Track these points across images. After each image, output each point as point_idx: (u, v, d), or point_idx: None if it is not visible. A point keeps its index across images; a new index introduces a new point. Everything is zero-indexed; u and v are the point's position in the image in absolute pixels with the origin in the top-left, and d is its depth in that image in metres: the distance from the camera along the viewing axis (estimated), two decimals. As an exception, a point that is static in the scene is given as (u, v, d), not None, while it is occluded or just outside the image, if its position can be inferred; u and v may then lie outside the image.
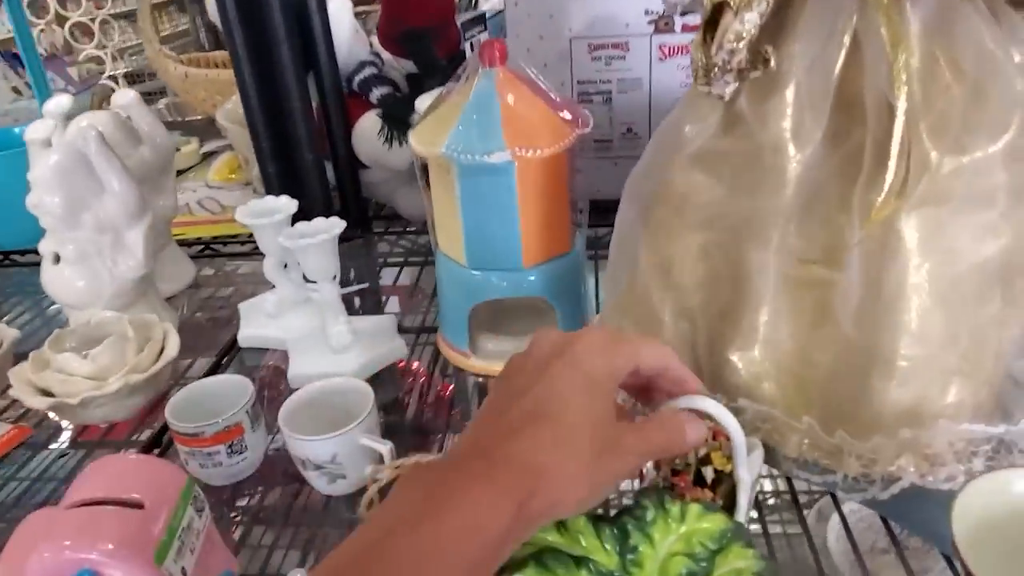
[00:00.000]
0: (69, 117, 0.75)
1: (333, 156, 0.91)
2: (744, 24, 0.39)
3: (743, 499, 0.39)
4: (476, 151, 0.54)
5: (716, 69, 0.41)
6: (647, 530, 0.37)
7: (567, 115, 0.57)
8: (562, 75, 0.88)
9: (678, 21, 0.84)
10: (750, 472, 0.39)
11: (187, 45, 2.98)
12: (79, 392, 0.58)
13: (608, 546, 0.37)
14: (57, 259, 0.69)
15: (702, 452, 0.43)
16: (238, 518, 0.55)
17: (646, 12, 0.84)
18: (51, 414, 0.63)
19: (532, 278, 0.60)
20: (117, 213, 0.68)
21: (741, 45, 0.39)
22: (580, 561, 0.36)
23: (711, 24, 0.42)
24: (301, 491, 0.54)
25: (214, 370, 0.69)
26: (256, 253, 0.95)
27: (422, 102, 0.73)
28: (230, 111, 1.24)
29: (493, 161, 0.54)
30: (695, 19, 0.84)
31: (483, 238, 0.59)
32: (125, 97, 0.79)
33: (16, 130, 1.07)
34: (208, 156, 1.33)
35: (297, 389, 0.55)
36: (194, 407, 0.55)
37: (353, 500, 0.53)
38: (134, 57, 2.98)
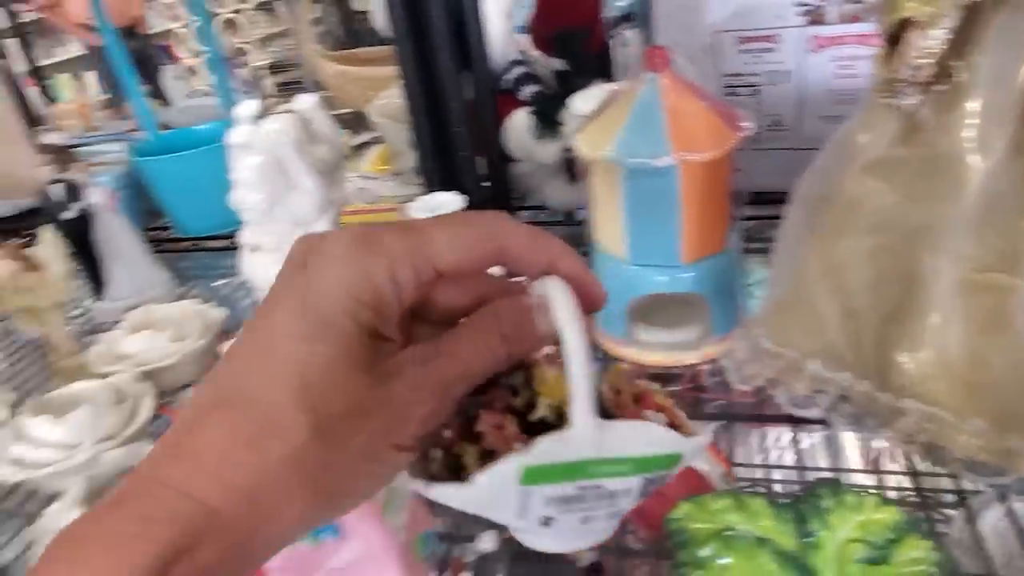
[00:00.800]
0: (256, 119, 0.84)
1: (485, 151, 0.96)
2: (930, 40, 0.40)
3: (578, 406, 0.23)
4: (642, 155, 0.57)
5: (900, 83, 0.43)
6: (825, 516, 0.40)
7: (729, 118, 0.59)
8: (706, 69, 0.89)
9: (833, 12, 0.83)
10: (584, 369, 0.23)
11: (320, 36, 3.15)
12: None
13: (786, 528, 0.40)
14: (255, 249, 0.78)
15: (518, 376, 0.26)
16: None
17: (799, 3, 0.84)
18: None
19: (690, 274, 0.63)
20: (307, 208, 0.76)
21: (927, 61, 0.40)
22: (760, 541, 0.39)
23: (894, 39, 0.43)
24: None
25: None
26: (412, 241, 1.03)
27: (577, 102, 0.77)
28: (382, 106, 1.33)
29: (658, 164, 0.57)
30: (852, 9, 0.83)
31: (644, 236, 0.62)
32: (306, 102, 0.87)
33: (200, 129, 1.20)
34: (358, 148, 1.42)
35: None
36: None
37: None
38: (272, 48, 3.18)
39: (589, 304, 0.26)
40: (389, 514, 0.45)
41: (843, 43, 0.84)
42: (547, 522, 0.25)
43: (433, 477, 0.24)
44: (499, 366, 0.24)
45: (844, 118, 0.87)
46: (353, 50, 1.55)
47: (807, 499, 0.41)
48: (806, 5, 0.83)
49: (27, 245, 0.74)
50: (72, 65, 4.45)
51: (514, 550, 0.52)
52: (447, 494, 0.23)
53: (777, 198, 0.90)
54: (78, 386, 0.65)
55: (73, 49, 4.62)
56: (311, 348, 0.22)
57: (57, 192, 0.86)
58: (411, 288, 0.23)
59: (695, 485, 0.48)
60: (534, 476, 0.23)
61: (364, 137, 1.43)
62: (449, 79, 0.87)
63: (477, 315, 0.24)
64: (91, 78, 4.68)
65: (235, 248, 1.10)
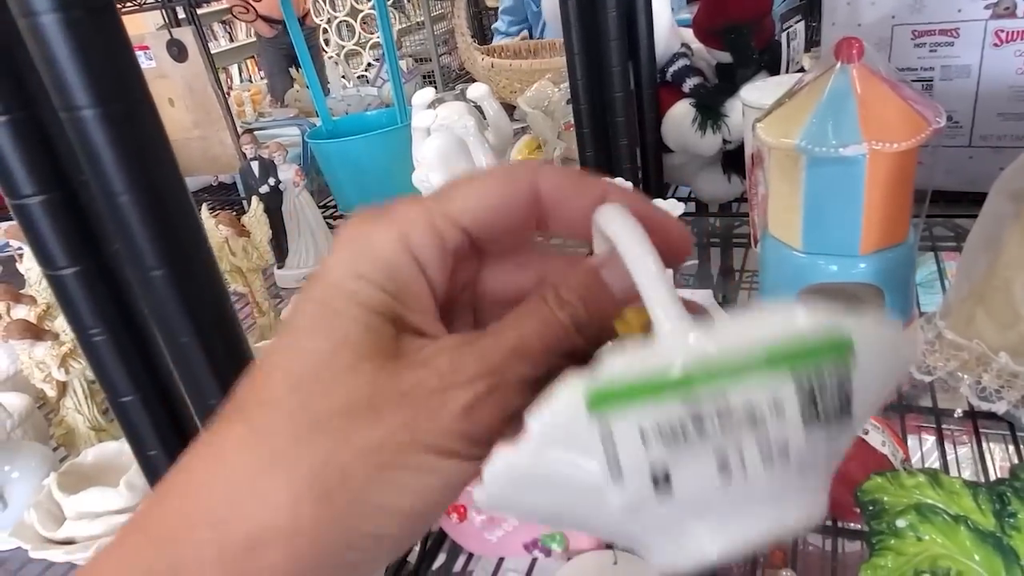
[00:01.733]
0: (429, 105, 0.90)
1: (641, 141, 0.99)
2: None
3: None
4: (830, 144, 0.58)
5: None
6: (1027, 500, 0.40)
7: (922, 109, 0.59)
8: (877, 63, 0.88)
9: (1021, 5, 0.80)
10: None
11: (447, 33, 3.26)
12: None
13: (984, 508, 0.41)
14: (432, 225, 0.84)
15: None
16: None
17: (985, -4, 0.81)
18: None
19: (863, 265, 0.64)
20: (482, 189, 0.81)
21: None
22: (957, 518, 0.40)
23: None
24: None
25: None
26: (563, 226, 1.08)
27: (749, 93, 0.78)
28: (531, 97, 1.38)
29: (847, 154, 0.58)
30: (1042, 2, 0.80)
31: (822, 225, 0.63)
32: (478, 90, 0.93)
33: (368, 115, 1.29)
34: (504, 137, 1.48)
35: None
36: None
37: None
38: (407, 41, 3.31)
39: (669, 250, 0.20)
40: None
41: (1030, 37, 0.81)
42: (665, 481, 0.16)
43: None
44: (565, 338, 0.19)
45: (1026, 115, 0.85)
46: (500, 42, 1.61)
47: (1008, 481, 0.41)
48: (993, -2, 0.81)
49: (240, 214, 0.83)
50: (220, 58, 4.81)
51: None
52: (497, 471, 0.17)
53: (947, 197, 0.89)
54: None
55: (223, 43, 5.00)
56: (303, 342, 0.18)
57: (255, 169, 0.96)
58: (435, 258, 0.19)
59: (878, 465, 0.49)
60: (608, 399, 0.16)
61: (513, 126, 1.48)
62: (614, 69, 0.90)
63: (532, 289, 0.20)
64: (234, 69, 5.04)
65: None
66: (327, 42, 2.06)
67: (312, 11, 2.53)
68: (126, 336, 0.33)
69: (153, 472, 0.36)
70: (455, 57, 2.56)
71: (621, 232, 0.18)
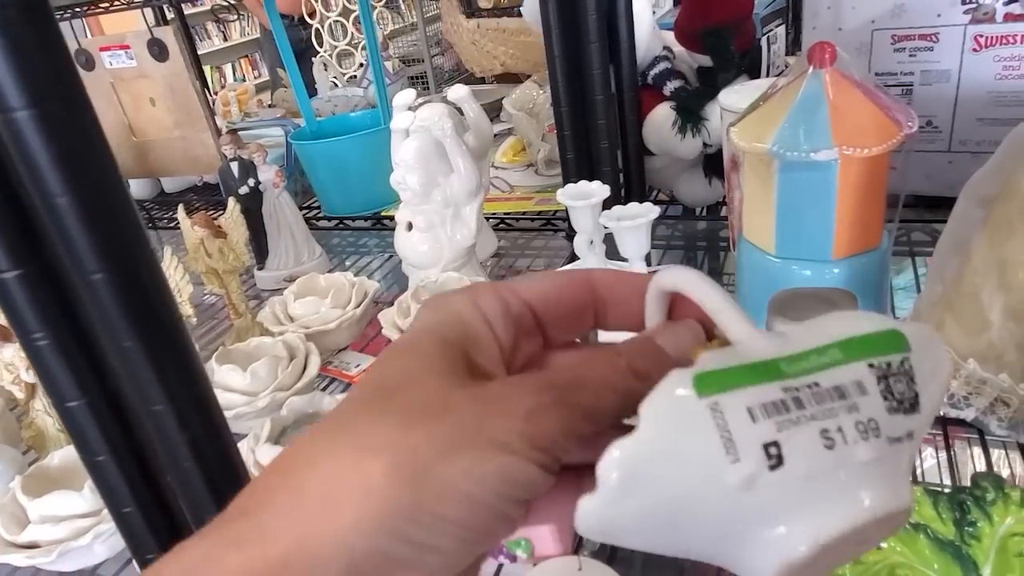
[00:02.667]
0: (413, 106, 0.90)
1: (623, 144, 0.99)
2: None
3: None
4: (802, 149, 0.58)
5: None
6: (986, 508, 0.40)
7: (894, 114, 0.59)
8: (859, 66, 0.88)
9: (1000, 10, 0.80)
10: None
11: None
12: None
13: (944, 516, 0.41)
14: (409, 227, 0.84)
15: None
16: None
17: (963, 1, 0.81)
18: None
19: (837, 270, 0.63)
20: (460, 191, 0.81)
21: None
22: (917, 527, 0.40)
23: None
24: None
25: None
26: (545, 229, 1.07)
27: (727, 96, 0.78)
28: (515, 99, 1.38)
29: (818, 159, 0.57)
30: (1020, 8, 0.80)
31: (795, 230, 0.63)
32: (459, 92, 0.93)
33: (352, 116, 1.29)
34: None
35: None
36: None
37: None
38: (400, 41, 3.31)
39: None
40: (547, 472, 0.48)
41: (1009, 43, 0.81)
42: (777, 456, 0.17)
43: None
44: (622, 381, 0.21)
45: (1005, 121, 0.85)
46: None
47: (968, 491, 0.41)
48: (972, 3, 0.81)
49: (215, 215, 0.83)
50: (213, 57, 4.80)
51: None
52: (614, 458, 0.18)
53: (926, 202, 0.89)
54: (256, 341, 0.73)
55: (217, 42, 4.99)
56: (389, 361, 0.21)
57: (235, 170, 0.95)
58: (500, 317, 0.22)
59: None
60: (713, 383, 0.18)
61: (496, 128, 1.48)
62: (597, 72, 0.90)
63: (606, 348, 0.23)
64: (228, 68, 5.03)
65: (377, 228, 1.18)
66: (320, 42, 2.06)
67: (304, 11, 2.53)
68: (71, 340, 0.33)
69: (102, 477, 0.36)
70: (448, 58, 2.55)
71: (682, 277, 0.22)
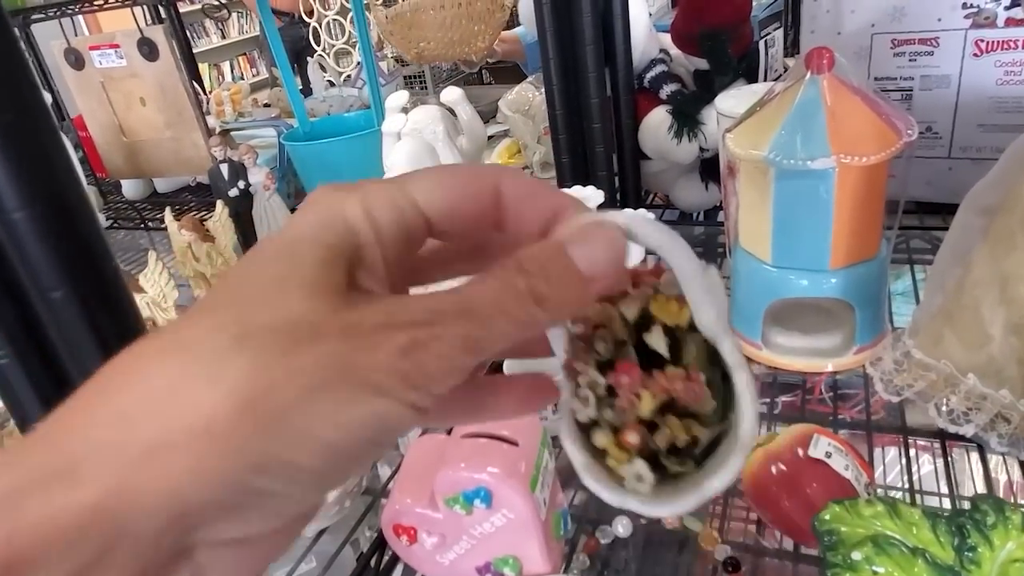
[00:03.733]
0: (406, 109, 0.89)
1: (618, 148, 0.97)
2: None
3: (731, 357, 0.20)
4: (799, 157, 0.57)
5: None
6: (986, 532, 0.39)
7: (893, 121, 0.58)
8: (859, 71, 0.87)
9: (1001, 15, 0.79)
10: (718, 311, 0.21)
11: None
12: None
13: (943, 540, 0.39)
14: (401, 231, 0.82)
15: (631, 311, 0.22)
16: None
17: (964, 6, 0.80)
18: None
19: (835, 280, 0.62)
20: (452, 196, 0.80)
21: None
22: (915, 551, 0.39)
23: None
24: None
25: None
26: (540, 233, 1.06)
27: (724, 101, 0.77)
28: (512, 100, 1.36)
29: (815, 167, 0.56)
30: (1022, 13, 0.79)
31: (791, 238, 0.62)
32: (452, 94, 0.91)
33: (346, 116, 1.28)
34: (487, 140, 1.47)
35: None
36: (522, 366, 0.64)
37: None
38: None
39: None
40: (535, 489, 0.47)
41: (1010, 48, 0.80)
42: None
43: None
44: (519, 307, 0.18)
45: (1006, 127, 0.83)
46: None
47: (968, 514, 0.40)
48: (973, 7, 0.79)
49: (204, 218, 0.81)
50: (211, 55, 4.79)
51: (647, 537, 0.53)
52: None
53: (926, 208, 0.87)
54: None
55: (215, 40, 4.97)
56: (254, 267, 0.18)
57: (225, 171, 0.94)
58: (392, 230, 0.19)
59: (840, 491, 0.47)
60: None
61: (493, 130, 1.47)
62: (592, 74, 0.88)
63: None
64: (226, 68, 5.01)
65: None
66: (317, 40, 2.05)
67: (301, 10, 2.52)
68: (35, 359, 0.31)
69: None
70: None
71: (659, 236, 0.20)
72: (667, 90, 0.92)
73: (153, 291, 0.69)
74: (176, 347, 0.16)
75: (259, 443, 0.16)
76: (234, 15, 5.00)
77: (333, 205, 0.19)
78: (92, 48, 1.09)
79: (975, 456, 0.62)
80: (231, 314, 0.17)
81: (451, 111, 0.94)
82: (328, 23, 1.99)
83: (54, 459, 0.15)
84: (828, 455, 0.49)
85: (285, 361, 0.16)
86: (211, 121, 1.50)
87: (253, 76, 5.06)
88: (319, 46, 1.88)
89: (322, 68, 1.74)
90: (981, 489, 0.58)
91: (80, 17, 2.75)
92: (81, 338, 0.29)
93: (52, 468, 0.15)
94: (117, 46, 1.06)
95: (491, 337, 0.18)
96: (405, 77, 2.49)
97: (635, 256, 0.21)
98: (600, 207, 0.74)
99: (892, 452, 0.75)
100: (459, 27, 1.36)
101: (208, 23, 4.91)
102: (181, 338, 0.16)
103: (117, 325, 0.30)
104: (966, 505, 0.41)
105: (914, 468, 0.55)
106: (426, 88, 2.46)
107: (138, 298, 0.69)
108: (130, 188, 1.45)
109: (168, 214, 0.81)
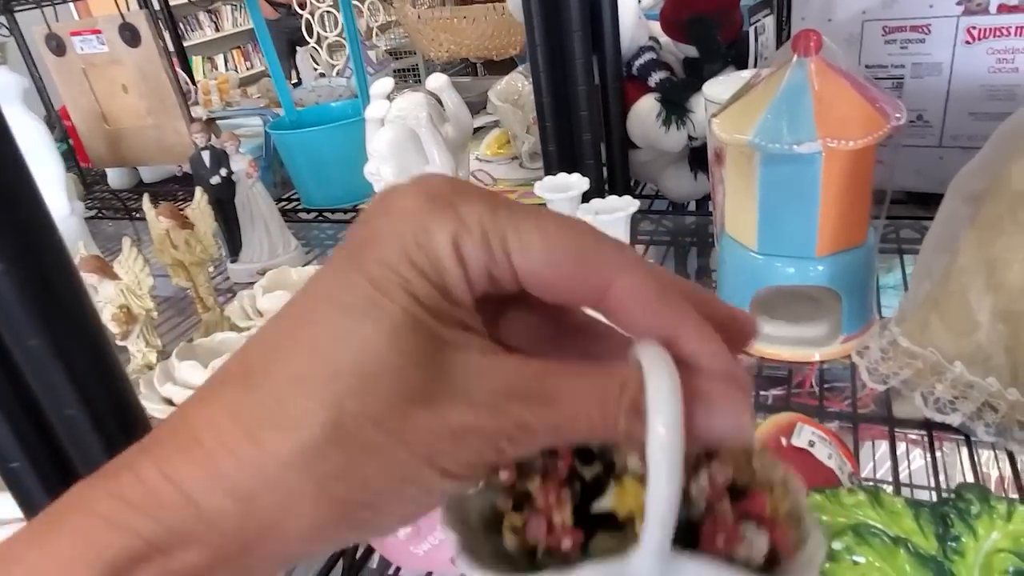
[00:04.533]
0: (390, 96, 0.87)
1: (607, 136, 0.96)
2: None
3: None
4: (784, 141, 0.55)
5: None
6: (970, 522, 0.38)
7: (881, 106, 0.56)
8: (849, 58, 0.86)
9: (993, 2, 0.78)
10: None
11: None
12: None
13: (926, 530, 0.38)
14: (384, 219, 0.81)
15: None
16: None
17: (957, -9, 0.79)
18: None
19: (821, 268, 0.61)
20: (435, 183, 0.78)
21: None
22: (897, 541, 0.38)
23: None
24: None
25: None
26: (527, 223, 1.05)
27: (711, 88, 0.75)
28: (501, 90, 1.35)
29: (801, 151, 0.55)
30: (1014, 0, 0.78)
31: (778, 225, 0.61)
32: (438, 81, 0.90)
33: (332, 106, 1.26)
34: (476, 131, 1.45)
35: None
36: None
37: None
38: (389, 35, 3.27)
39: (733, 339, 0.19)
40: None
41: (1003, 35, 0.79)
42: None
43: (463, 523, 0.19)
44: (614, 432, 0.17)
45: (997, 115, 0.82)
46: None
47: (952, 503, 0.39)
48: (965, -7, 0.78)
49: (184, 206, 0.80)
50: (204, 48, 4.76)
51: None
52: None
53: (916, 199, 0.86)
54: (220, 336, 0.70)
55: (209, 33, 4.94)
56: (351, 324, 0.17)
57: (206, 159, 0.92)
58: (480, 271, 0.18)
59: (823, 480, 0.46)
60: None
61: (482, 120, 1.45)
62: (580, 61, 0.87)
63: (598, 364, 0.18)
64: (219, 60, 4.98)
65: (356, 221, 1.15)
66: (310, 32, 2.03)
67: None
68: (14, 401, 0.30)
69: (18, 484, 0.33)
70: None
71: (659, 411, 0.16)
72: (656, 78, 0.91)
73: (128, 277, 0.67)
74: (276, 424, 0.17)
75: (343, 520, 0.17)
76: (228, 7, 4.97)
77: (426, 236, 0.17)
78: (73, 34, 1.07)
79: (966, 452, 0.62)
80: (334, 391, 0.16)
81: (438, 99, 0.93)
82: (321, 15, 1.97)
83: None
84: (811, 444, 0.48)
85: (375, 456, 0.17)
86: (199, 111, 1.49)
87: (247, 69, 5.03)
88: (312, 38, 1.86)
89: (314, 61, 1.72)
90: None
91: (71, 4, 2.72)
92: (58, 385, 0.29)
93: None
94: (99, 32, 1.04)
95: (565, 439, 0.18)
96: (396, 70, 2.47)
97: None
98: (585, 196, 0.73)
99: (883, 447, 0.74)
100: (498, 35, 1.37)
101: (202, 16, 4.87)
102: (284, 411, 0.17)
103: (95, 369, 0.30)
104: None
105: (904, 463, 0.54)
106: (419, 79, 2.44)
107: (112, 285, 0.68)
108: (116, 178, 1.44)
109: (146, 200, 0.80)
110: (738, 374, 0.18)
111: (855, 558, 0.38)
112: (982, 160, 0.49)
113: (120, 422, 0.31)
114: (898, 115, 0.56)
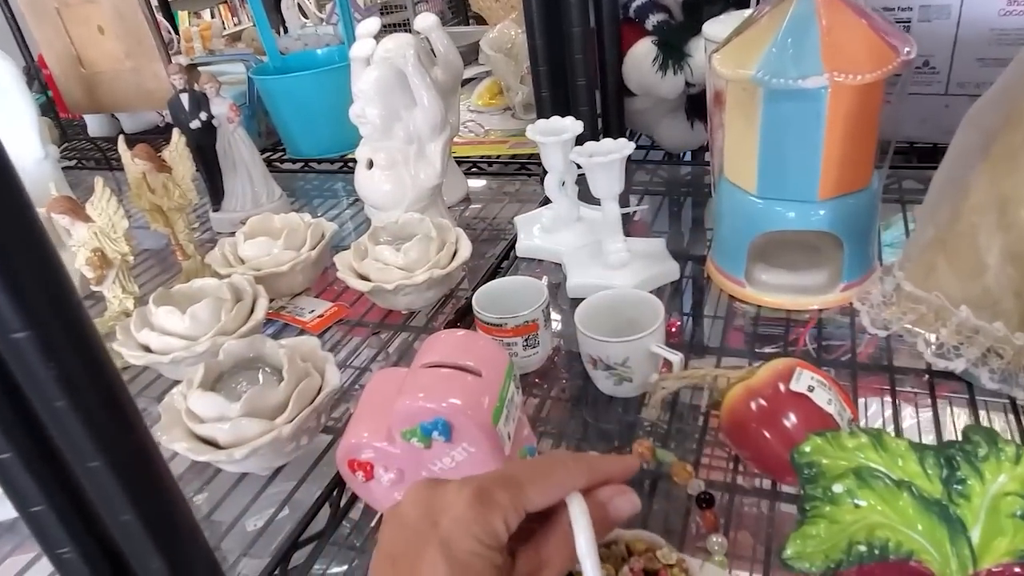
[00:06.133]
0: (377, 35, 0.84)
1: (602, 82, 0.93)
2: None
3: None
4: (789, 75, 0.53)
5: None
6: (977, 465, 0.36)
7: (891, 40, 0.54)
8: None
9: (1007, -61, 0.75)
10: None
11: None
12: (393, 280, 0.67)
13: (931, 472, 0.37)
14: (370, 165, 0.78)
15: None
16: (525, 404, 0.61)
17: (969, -71, 0.76)
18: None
19: (823, 212, 0.59)
20: (423, 126, 0.75)
21: None
22: (900, 484, 0.36)
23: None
24: (584, 388, 0.59)
25: (492, 275, 0.76)
26: (519, 173, 1.02)
27: (711, 27, 0.72)
28: (493, 39, 1.30)
29: (807, 86, 0.52)
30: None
31: (779, 167, 0.58)
32: (426, 21, 0.86)
33: (318, 52, 1.22)
34: (467, 82, 1.41)
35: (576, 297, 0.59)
36: (492, 302, 0.61)
37: (629, 402, 0.57)
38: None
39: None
40: (499, 421, 0.44)
41: (1015, -25, 0.76)
42: None
43: None
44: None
45: (1007, 61, 0.79)
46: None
47: (958, 445, 0.37)
48: (977, -70, 0.75)
49: (160, 148, 0.77)
50: (191, 3, 4.63)
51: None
52: None
53: (918, 153, 0.84)
54: (199, 282, 0.68)
55: (194, -15, 4.80)
56: None
57: (185, 102, 0.89)
58: (515, 526, 0.31)
59: (822, 426, 0.45)
60: None
61: (473, 71, 1.41)
62: (574, 3, 0.83)
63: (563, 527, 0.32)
64: (206, 15, 4.85)
65: (343, 172, 1.12)
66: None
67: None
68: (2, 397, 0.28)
69: (38, 526, 0.31)
70: (432, 5, 2.45)
71: (578, 522, 0.32)
72: (653, 20, 0.87)
73: (101, 220, 0.65)
74: None
75: None
76: (213, -41, 4.82)
77: (488, 526, 0.30)
78: (45, -29, 1.02)
79: (960, 411, 0.60)
80: None
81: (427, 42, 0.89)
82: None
83: None
84: (811, 389, 0.46)
85: None
86: (180, 60, 1.43)
87: (234, 25, 4.91)
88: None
89: (302, 12, 1.67)
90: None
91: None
92: (46, 379, 0.27)
93: None
94: (71, -32, 0.99)
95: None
96: (386, 24, 2.40)
97: None
98: (579, 139, 0.70)
99: (874, 406, 0.73)
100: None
101: (186, -32, 4.73)
102: None
103: (84, 361, 0.28)
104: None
105: (909, 415, 0.53)
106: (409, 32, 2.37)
107: (85, 227, 0.65)
108: (95, 126, 1.39)
109: (121, 142, 0.76)
110: (623, 486, 0.34)
111: (856, 501, 0.36)
112: (998, 90, 0.46)
113: (110, 413, 0.29)
114: (908, 49, 0.54)
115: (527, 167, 1.01)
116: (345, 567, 0.49)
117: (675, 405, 0.55)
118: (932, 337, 0.50)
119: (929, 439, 0.51)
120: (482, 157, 1.06)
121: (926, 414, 0.53)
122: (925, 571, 0.35)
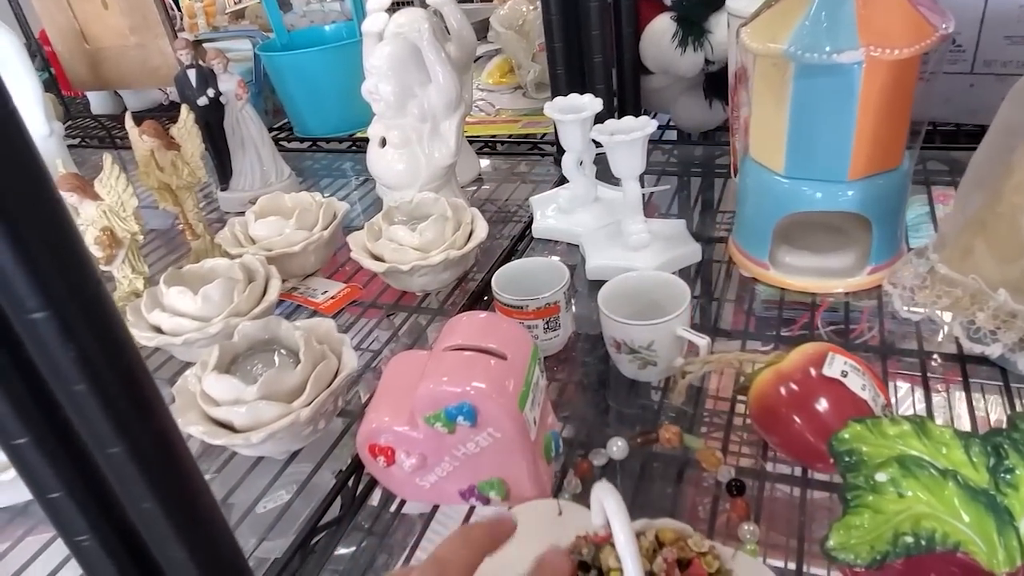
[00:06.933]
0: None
1: (618, 60, 0.91)
2: None
3: None
4: (823, 49, 0.51)
5: None
6: (1026, 453, 0.35)
7: (927, 13, 0.52)
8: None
9: (1041, -88, 0.72)
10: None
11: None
12: (408, 260, 0.65)
13: (977, 461, 0.35)
14: (383, 143, 0.76)
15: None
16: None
17: (1000, -99, 0.73)
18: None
19: (852, 192, 0.57)
20: (437, 103, 0.73)
21: None
22: (945, 473, 0.35)
23: None
24: (606, 371, 0.57)
25: (508, 256, 0.74)
26: (532, 153, 1.00)
27: (735, 1, 0.70)
28: (504, 16, 1.28)
29: (842, 61, 0.51)
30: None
31: (809, 146, 0.56)
32: (440, -6, 0.84)
33: (326, 29, 1.19)
34: (476, 60, 1.38)
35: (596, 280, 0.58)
36: (511, 283, 0.59)
37: (650, 387, 0.55)
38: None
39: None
40: (524, 406, 0.43)
41: (1047, -50, 0.74)
42: None
43: None
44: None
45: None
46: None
47: (1005, 433, 0.36)
48: (1010, -98, 0.72)
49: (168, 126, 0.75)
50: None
51: (644, 460, 0.50)
52: None
53: (943, 135, 0.82)
54: (211, 262, 0.66)
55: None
56: None
57: (192, 78, 0.87)
58: None
59: (856, 413, 0.43)
60: None
61: (483, 49, 1.39)
62: (590, -24, 0.81)
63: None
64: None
65: (353, 151, 1.10)
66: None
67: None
68: (16, 376, 0.27)
69: (55, 513, 0.30)
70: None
71: (616, 517, 0.31)
72: (673, -5, 0.85)
73: (110, 198, 0.63)
74: None
75: None
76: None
77: None
78: (47, -57, 1.00)
79: (993, 398, 0.58)
80: None
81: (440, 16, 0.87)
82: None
83: None
84: (844, 374, 0.44)
85: None
86: (184, 36, 1.41)
87: (235, 3, 4.85)
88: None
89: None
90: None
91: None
92: (64, 361, 0.25)
93: None
94: (74, -60, 0.97)
95: None
96: (396, 1, 2.37)
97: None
98: (598, 118, 0.68)
99: (902, 391, 0.71)
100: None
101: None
102: None
103: (104, 343, 0.26)
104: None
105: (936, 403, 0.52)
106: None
107: (94, 206, 0.63)
108: (99, 103, 1.37)
109: (128, 119, 0.75)
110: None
111: (900, 491, 0.35)
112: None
113: (131, 398, 0.28)
114: (946, 24, 0.52)
115: (539, 147, 1.00)
116: (353, 548, 0.48)
117: (699, 390, 0.54)
118: (968, 321, 0.48)
119: (963, 427, 0.49)
120: (492, 136, 1.04)
121: (958, 400, 0.52)
122: (971, 563, 0.34)
